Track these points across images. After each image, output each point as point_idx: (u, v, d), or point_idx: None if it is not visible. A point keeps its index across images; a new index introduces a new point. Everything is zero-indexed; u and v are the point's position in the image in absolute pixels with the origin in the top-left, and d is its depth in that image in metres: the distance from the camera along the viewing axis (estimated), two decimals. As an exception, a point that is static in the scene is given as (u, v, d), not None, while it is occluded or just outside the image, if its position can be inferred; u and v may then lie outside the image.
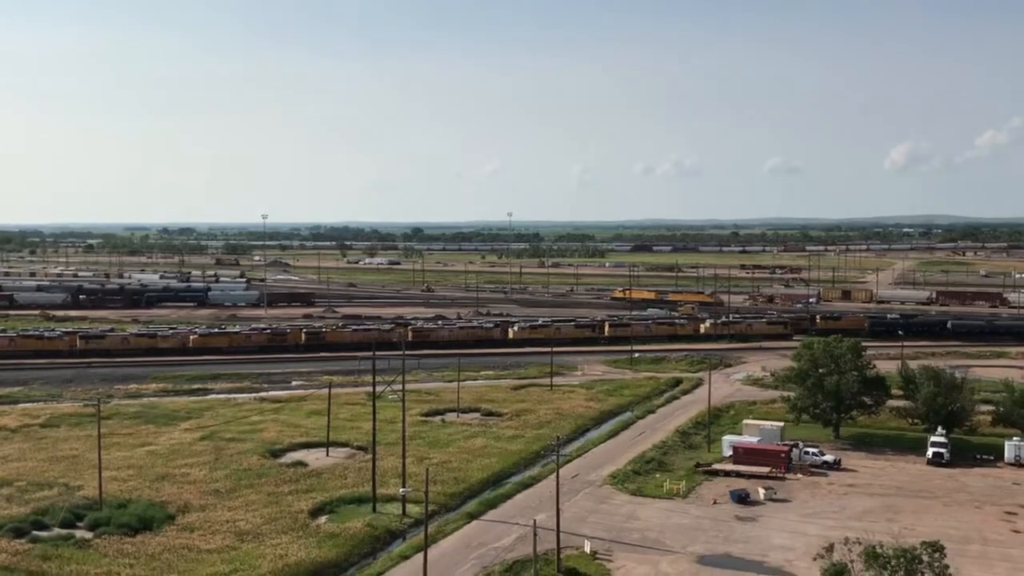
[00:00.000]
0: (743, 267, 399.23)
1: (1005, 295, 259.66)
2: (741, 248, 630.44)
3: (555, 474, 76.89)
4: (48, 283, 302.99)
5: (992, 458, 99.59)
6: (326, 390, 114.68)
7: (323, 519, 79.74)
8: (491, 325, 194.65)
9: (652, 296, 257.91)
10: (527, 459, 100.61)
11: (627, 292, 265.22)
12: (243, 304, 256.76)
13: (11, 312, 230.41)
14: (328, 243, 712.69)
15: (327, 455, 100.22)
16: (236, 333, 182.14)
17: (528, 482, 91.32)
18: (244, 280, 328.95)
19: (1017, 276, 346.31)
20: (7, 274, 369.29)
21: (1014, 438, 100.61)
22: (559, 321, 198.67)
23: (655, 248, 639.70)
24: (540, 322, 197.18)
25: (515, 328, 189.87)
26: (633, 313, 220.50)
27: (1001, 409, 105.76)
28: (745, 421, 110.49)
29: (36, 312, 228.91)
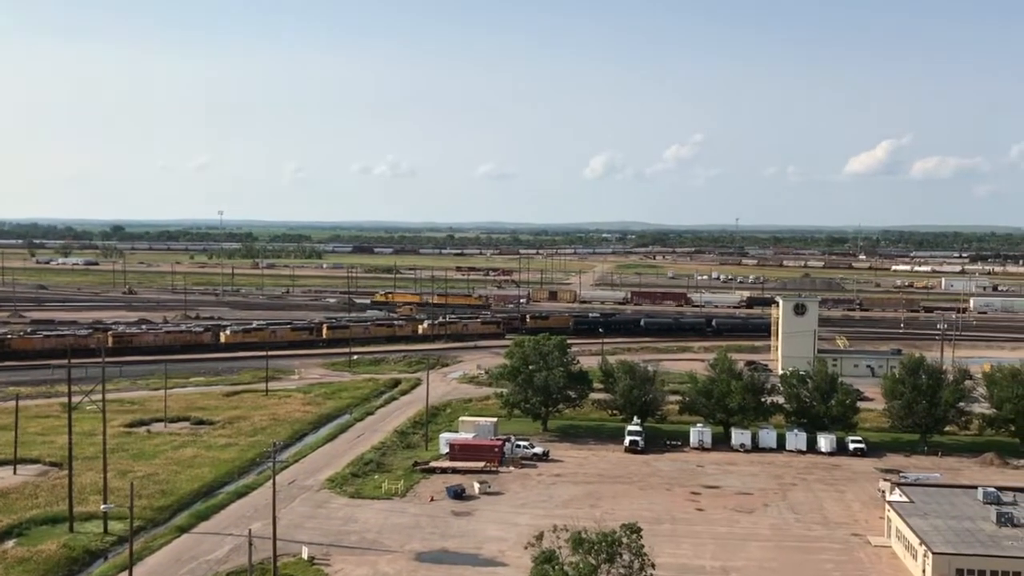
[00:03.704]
0: (459, 269, 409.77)
1: (689, 295, 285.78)
2: (458, 251, 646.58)
3: (271, 481, 75.22)
4: None
5: (680, 443, 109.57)
6: (12, 402, 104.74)
7: (10, 543, 73.04)
8: (201, 329, 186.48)
9: (416, 299, 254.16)
10: (241, 467, 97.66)
11: (390, 296, 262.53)
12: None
13: None
14: (14, 241, 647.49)
15: (15, 473, 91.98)
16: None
17: (242, 491, 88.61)
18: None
19: (699, 278, 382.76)
20: None
21: (698, 425, 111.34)
22: (275, 324, 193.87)
23: (376, 250, 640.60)
24: (254, 325, 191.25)
25: (227, 332, 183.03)
26: (352, 315, 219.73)
27: (687, 399, 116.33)
28: (461, 418, 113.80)
29: None
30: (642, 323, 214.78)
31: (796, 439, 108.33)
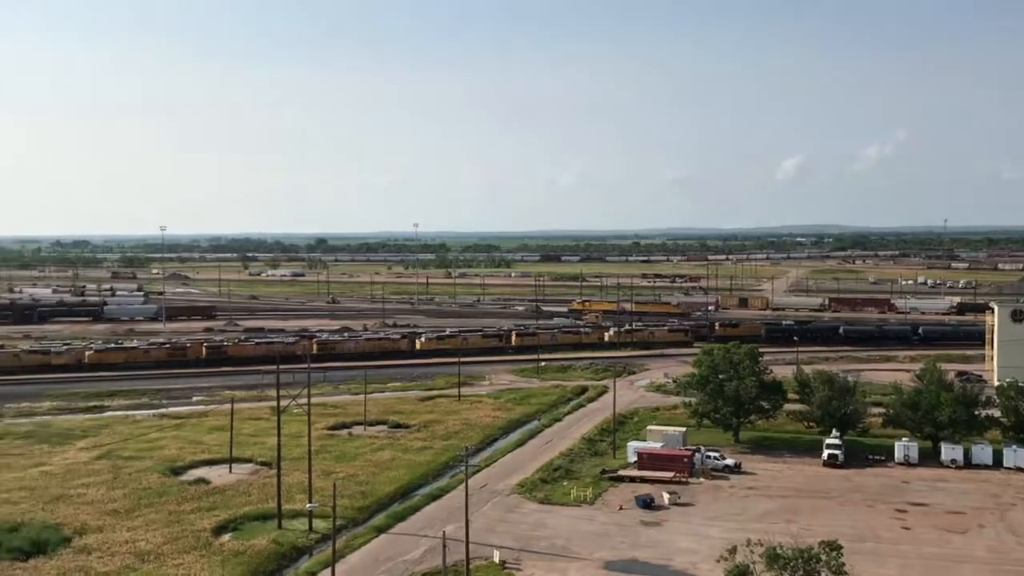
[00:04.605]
0: (645, 276, 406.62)
1: (893, 301, 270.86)
2: (644, 258, 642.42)
3: (464, 485, 77.04)
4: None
5: (883, 458, 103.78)
6: (228, 405, 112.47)
7: (227, 537, 78.10)
8: (398, 336, 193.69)
9: (612, 307, 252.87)
10: (435, 470, 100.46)
11: (586, 304, 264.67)
12: (141, 318, 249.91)
13: None
14: (230, 255, 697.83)
15: (230, 471, 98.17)
16: (134, 348, 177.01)
17: (436, 494, 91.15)
18: (142, 294, 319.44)
19: (903, 283, 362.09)
20: None
21: (903, 439, 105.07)
22: (466, 331, 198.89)
23: (563, 258, 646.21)
24: (447, 332, 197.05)
25: (422, 339, 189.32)
26: (540, 322, 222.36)
27: (891, 411, 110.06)
28: (649, 427, 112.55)
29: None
30: (841, 331, 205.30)
31: (1015, 456, 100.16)
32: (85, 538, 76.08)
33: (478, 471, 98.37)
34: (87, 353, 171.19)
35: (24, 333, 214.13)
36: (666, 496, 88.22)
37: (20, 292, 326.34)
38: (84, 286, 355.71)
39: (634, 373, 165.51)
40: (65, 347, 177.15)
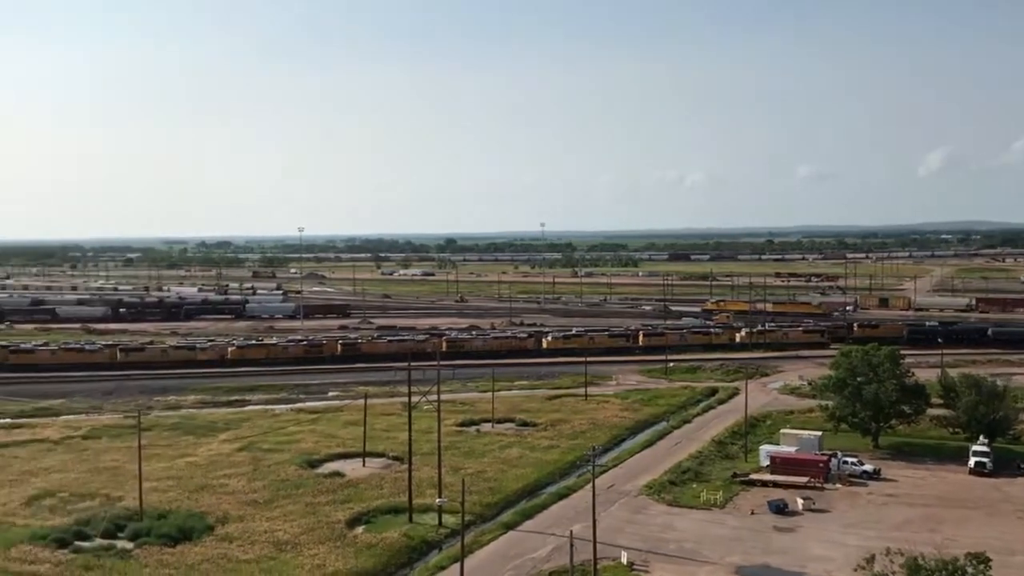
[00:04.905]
0: (778, 275, 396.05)
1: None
2: (778, 256, 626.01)
3: (591, 484, 76.72)
4: (89, 297, 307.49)
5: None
6: (362, 401, 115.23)
7: (360, 529, 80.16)
8: (525, 335, 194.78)
9: (745, 307, 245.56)
10: (562, 469, 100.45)
11: (721, 303, 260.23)
12: (280, 316, 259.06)
13: (53, 326, 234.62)
14: (363, 255, 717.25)
15: (363, 465, 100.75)
16: (273, 345, 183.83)
17: (564, 492, 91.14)
18: (281, 292, 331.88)
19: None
20: (49, 288, 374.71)
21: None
22: (593, 331, 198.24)
23: (692, 257, 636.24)
24: (574, 332, 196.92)
25: (549, 338, 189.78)
26: (668, 322, 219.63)
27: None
28: (783, 431, 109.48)
29: (77, 326, 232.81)
30: (989, 333, 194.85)
31: None
32: (227, 527, 79.44)
33: (605, 471, 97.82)
34: (230, 349, 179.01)
35: (171, 330, 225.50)
36: (800, 501, 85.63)
37: (168, 291, 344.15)
38: (227, 285, 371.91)
39: (767, 375, 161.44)
40: (209, 343, 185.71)
